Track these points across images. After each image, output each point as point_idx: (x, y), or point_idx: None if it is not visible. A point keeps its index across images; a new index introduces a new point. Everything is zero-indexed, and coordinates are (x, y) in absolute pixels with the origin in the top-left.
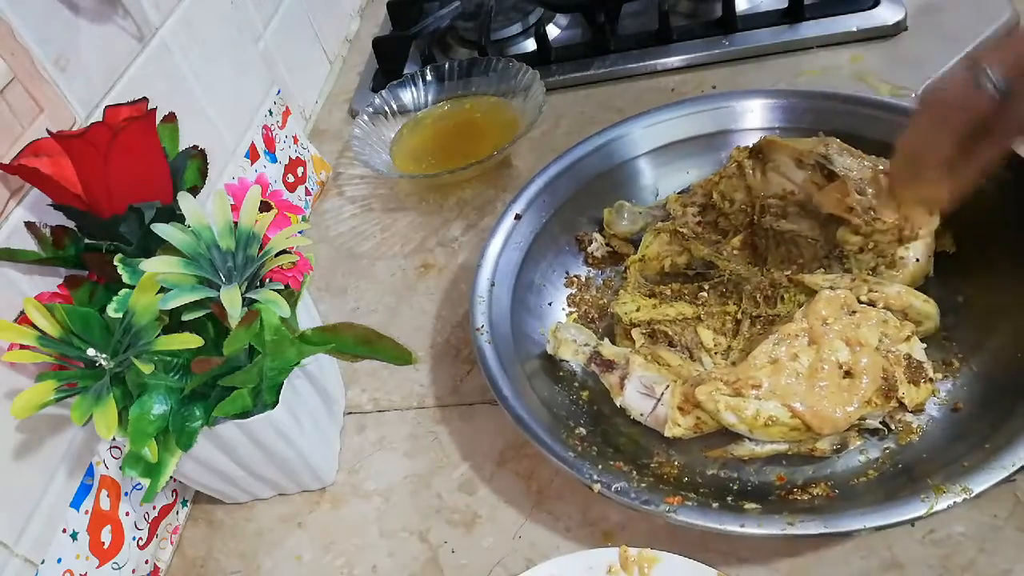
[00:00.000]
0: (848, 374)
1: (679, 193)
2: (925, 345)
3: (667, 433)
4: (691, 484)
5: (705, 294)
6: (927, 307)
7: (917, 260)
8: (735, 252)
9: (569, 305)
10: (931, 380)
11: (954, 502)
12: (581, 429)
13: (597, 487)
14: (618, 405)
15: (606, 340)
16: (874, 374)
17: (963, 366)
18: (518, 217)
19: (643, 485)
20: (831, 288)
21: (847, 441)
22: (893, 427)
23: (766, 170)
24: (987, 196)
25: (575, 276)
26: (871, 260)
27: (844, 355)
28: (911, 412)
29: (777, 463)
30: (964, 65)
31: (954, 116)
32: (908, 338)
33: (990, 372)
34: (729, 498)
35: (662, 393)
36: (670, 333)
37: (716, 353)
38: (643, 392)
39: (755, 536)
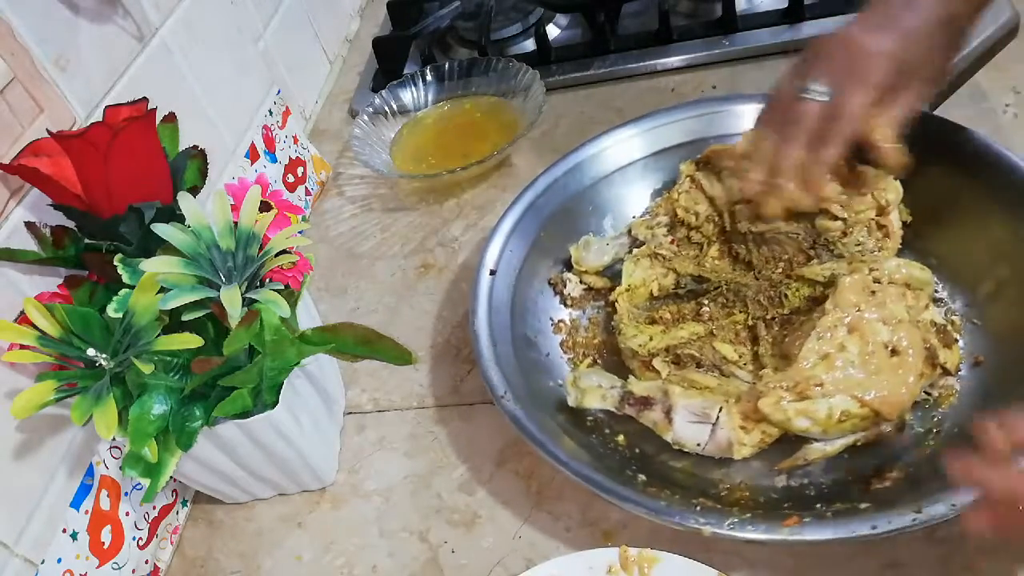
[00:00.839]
0: (895, 352)
1: (640, 217)
2: (940, 309)
3: (736, 456)
4: (771, 502)
5: (708, 309)
6: (924, 274)
7: (897, 226)
8: (716, 262)
9: (564, 351)
10: (957, 340)
11: None
12: (641, 476)
13: (708, 530)
14: (669, 441)
15: (631, 378)
16: (917, 346)
17: (965, 322)
18: (492, 273)
19: (749, 515)
20: (845, 275)
21: (903, 418)
22: (936, 394)
23: (721, 177)
24: (918, 161)
25: (560, 321)
26: (856, 241)
27: (886, 334)
28: (951, 375)
29: (838, 460)
30: (789, 77)
31: (790, 130)
32: (927, 305)
33: (992, 322)
34: (819, 505)
35: (717, 417)
36: (695, 355)
37: (744, 364)
38: (695, 420)
39: (891, 532)
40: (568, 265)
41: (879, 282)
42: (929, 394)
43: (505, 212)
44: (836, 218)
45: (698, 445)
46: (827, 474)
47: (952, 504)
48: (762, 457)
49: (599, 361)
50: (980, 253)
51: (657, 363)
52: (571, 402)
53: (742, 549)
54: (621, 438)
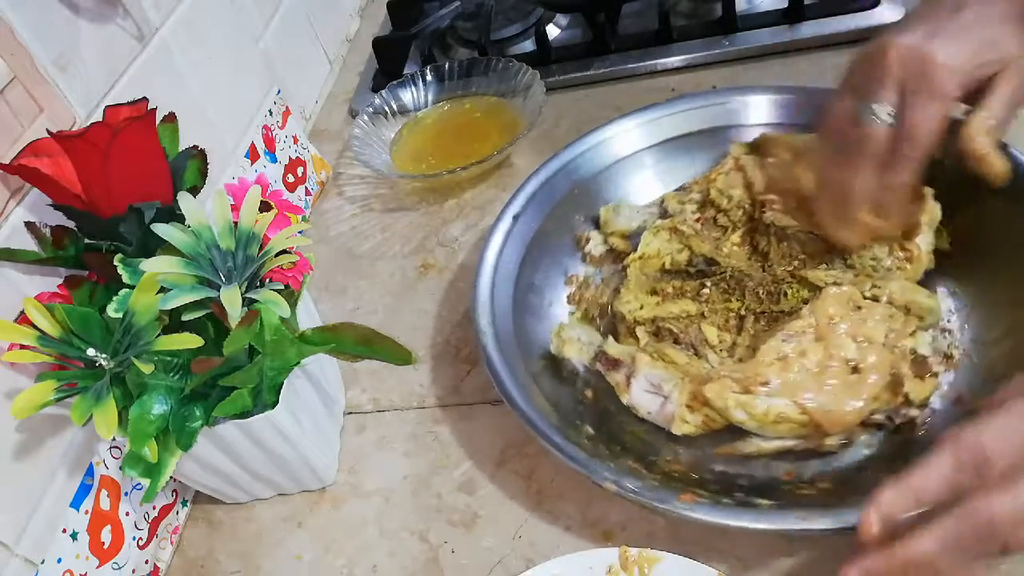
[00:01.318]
0: (856, 370)
1: (676, 191)
2: (932, 338)
3: (675, 431)
4: (700, 481)
5: (708, 291)
6: (930, 302)
7: (925, 250)
8: (735, 248)
9: (569, 303)
10: (935, 375)
11: None
12: (588, 428)
13: (612, 486)
14: (625, 403)
15: (610, 339)
16: (881, 370)
17: (963, 358)
18: (516, 218)
19: (655, 483)
20: (835, 284)
21: (853, 436)
22: (897, 420)
23: (765, 165)
24: (980, 195)
25: (574, 275)
26: (873, 255)
27: (851, 351)
28: (916, 407)
29: (784, 458)
30: (844, 100)
31: (855, 158)
32: (913, 333)
33: (990, 364)
34: (739, 494)
35: (670, 391)
36: (675, 330)
37: (722, 350)
38: (650, 390)
39: (767, 532)
40: (597, 224)
41: (876, 300)
42: (891, 420)
43: (541, 167)
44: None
45: (648, 413)
46: (765, 470)
47: (834, 522)
48: (711, 441)
49: (598, 319)
50: (1003, 295)
51: (639, 331)
52: (552, 349)
53: (741, 548)
54: (590, 393)
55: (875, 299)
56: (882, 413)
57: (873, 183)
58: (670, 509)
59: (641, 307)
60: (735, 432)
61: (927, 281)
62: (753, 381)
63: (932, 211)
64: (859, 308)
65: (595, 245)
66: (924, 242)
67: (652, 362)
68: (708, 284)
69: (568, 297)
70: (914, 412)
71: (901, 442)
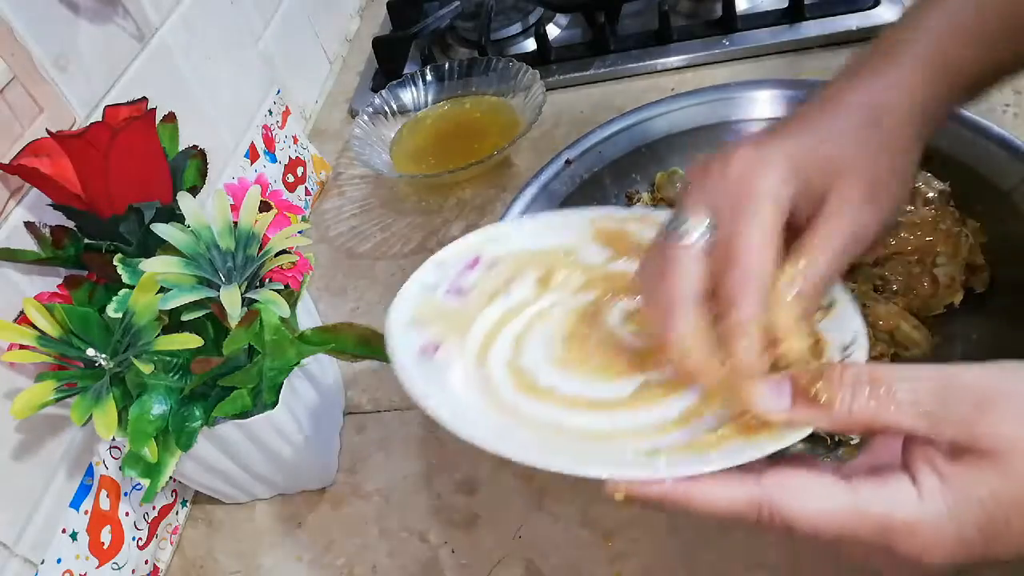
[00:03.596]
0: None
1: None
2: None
3: None
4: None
5: None
6: (915, 334)
7: (943, 282)
8: None
9: None
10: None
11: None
12: None
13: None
14: None
15: None
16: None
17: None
18: (569, 163)
19: None
20: None
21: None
22: (838, 438)
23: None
24: None
25: None
26: (889, 270)
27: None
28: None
29: None
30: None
31: (667, 286)
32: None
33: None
34: None
35: None
36: None
37: None
38: None
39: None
40: (651, 188)
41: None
42: (831, 435)
43: (612, 120)
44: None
45: None
46: None
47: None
48: None
49: None
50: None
51: None
52: None
53: (740, 547)
54: None
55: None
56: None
57: (696, 324)
58: None
59: None
60: None
61: (952, 318)
62: None
63: (959, 245)
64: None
65: (644, 204)
66: (942, 273)
67: None
68: None
69: None
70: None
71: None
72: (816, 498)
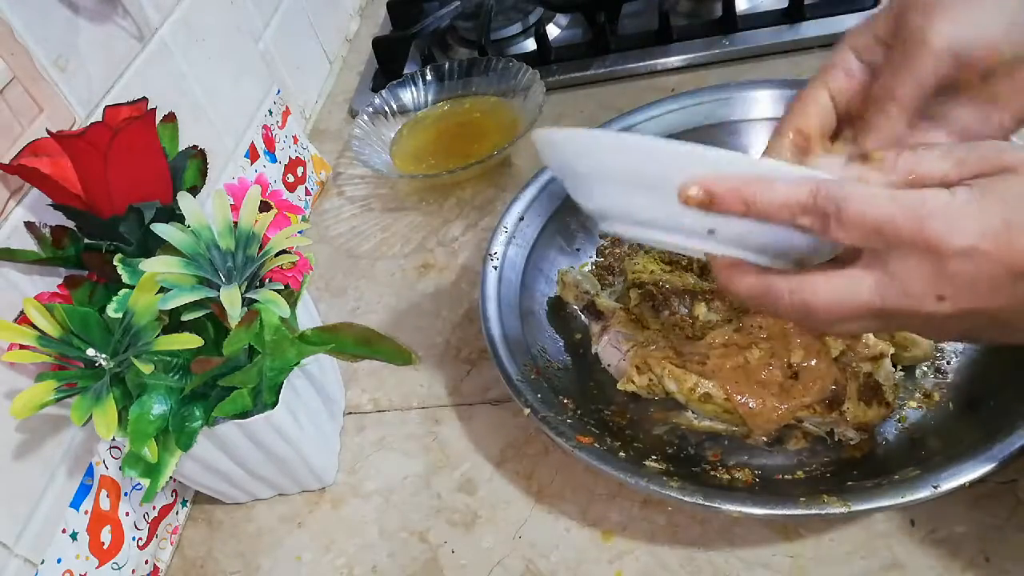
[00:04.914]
0: (794, 375)
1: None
2: (900, 372)
3: (619, 386)
4: (632, 437)
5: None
6: (927, 343)
7: None
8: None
9: (597, 255)
10: (887, 404)
11: (825, 512)
12: (556, 363)
13: (527, 411)
14: (593, 351)
15: (604, 293)
16: (821, 383)
17: (942, 401)
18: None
19: (568, 421)
20: None
21: (786, 439)
22: (838, 438)
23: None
24: None
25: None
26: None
27: (797, 357)
28: (854, 429)
29: (719, 442)
30: None
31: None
32: (876, 358)
33: (965, 417)
34: (654, 456)
35: (627, 350)
36: (664, 298)
37: (698, 327)
38: (615, 345)
39: (628, 486)
40: None
41: None
42: (831, 435)
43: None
44: None
45: (608, 365)
46: (696, 448)
47: (702, 500)
48: (658, 406)
49: (615, 275)
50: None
51: (632, 292)
52: (557, 290)
53: (739, 546)
54: (578, 336)
55: None
56: (822, 426)
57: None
58: (563, 445)
59: (651, 272)
60: (681, 405)
61: None
62: (691, 358)
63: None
64: None
65: None
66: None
67: (627, 321)
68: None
69: (598, 249)
70: (851, 434)
71: (835, 461)
72: (864, 192)
